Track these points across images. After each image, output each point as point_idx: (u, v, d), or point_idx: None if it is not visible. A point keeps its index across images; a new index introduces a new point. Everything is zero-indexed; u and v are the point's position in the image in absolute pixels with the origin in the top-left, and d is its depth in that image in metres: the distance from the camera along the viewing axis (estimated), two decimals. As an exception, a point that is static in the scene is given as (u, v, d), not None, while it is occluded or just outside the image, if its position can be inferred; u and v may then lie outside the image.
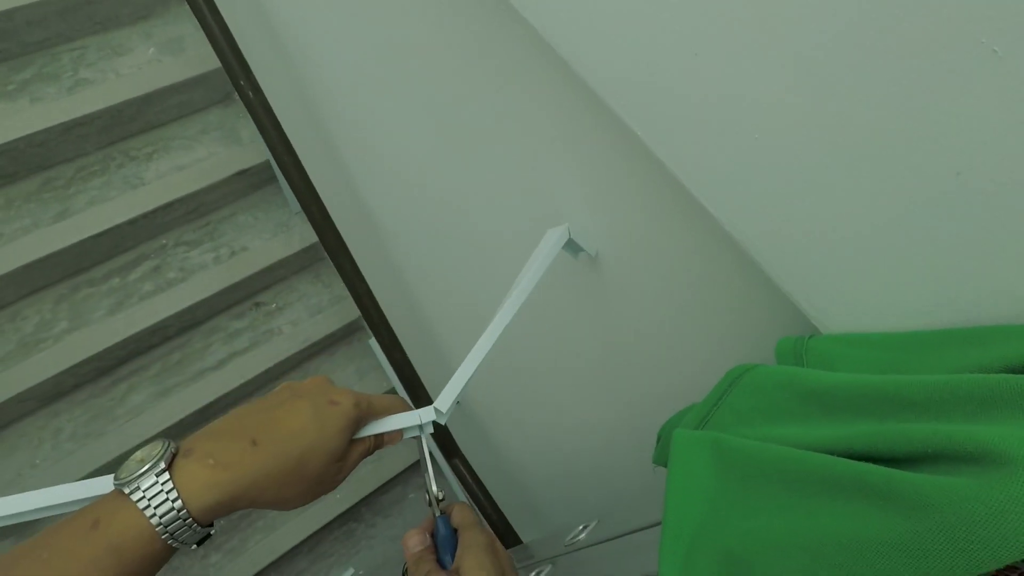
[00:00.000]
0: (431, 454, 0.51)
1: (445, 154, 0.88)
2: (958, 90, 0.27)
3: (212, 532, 0.37)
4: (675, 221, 0.53)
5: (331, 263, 1.57)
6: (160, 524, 0.33)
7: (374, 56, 0.94)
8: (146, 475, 0.34)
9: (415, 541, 0.47)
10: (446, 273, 1.19)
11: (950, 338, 0.31)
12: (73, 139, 1.62)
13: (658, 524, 0.77)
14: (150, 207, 1.65)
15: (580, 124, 0.57)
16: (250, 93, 1.32)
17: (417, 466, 2.03)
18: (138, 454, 0.35)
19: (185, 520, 0.34)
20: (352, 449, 0.45)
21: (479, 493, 1.43)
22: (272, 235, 1.88)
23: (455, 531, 0.47)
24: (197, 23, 1.36)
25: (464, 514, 0.48)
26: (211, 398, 1.72)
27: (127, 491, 0.33)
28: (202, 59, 1.68)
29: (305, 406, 0.41)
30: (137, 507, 0.33)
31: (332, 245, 1.44)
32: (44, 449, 1.61)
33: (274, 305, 1.94)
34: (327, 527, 1.91)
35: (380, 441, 0.48)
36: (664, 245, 0.57)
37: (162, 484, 0.33)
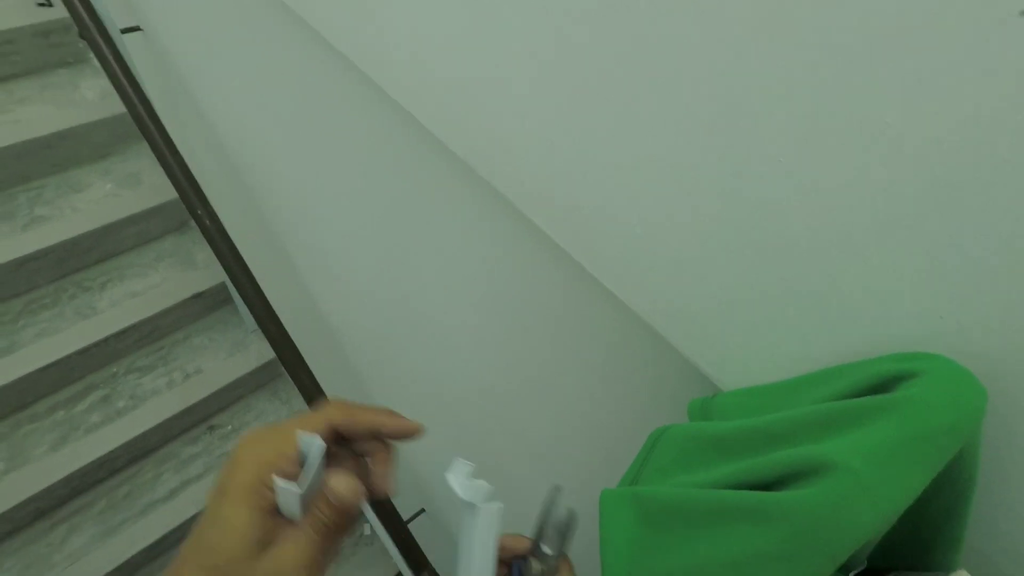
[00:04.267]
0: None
1: (392, 260, 0.95)
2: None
3: None
4: (589, 306, 0.60)
5: (289, 378, 1.57)
6: None
7: (325, 174, 1.03)
8: None
9: None
10: (407, 370, 1.22)
11: (810, 379, 0.37)
12: (25, 273, 1.63)
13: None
14: (102, 335, 1.64)
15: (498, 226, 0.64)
16: (207, 220, 1.39)
17: None
18: None
19: None
20: (281, 534, 0.30)
21: (450, 607, 1.36)
22: (228, 355, 1.88)
23: None
24: (155, 158, 1.45)
25: None
26: (161, 532, 1.62)
27: None
28: (158, 190, 1.76)
29: (215, 509, 0.30)
30: None
31: (290, 360, 1.46)
32: (-31, 609, 1.47)
33: (230, 427, 1.89)
34: None
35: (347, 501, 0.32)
36: (584, 330, 0.63)
37: None
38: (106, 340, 1.65)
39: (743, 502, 0.30)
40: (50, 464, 1.55)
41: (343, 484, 0.31)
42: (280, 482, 0.30)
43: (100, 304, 1.73)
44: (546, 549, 0.37)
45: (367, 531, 2.03)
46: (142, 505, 1.68)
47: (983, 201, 0.27)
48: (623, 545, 0.37)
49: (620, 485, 0.47)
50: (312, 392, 1.46)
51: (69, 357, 1.60)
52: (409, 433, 0.36)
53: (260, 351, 1.87)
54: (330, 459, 0.33)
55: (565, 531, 0.37)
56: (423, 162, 0.72)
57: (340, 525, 0.32)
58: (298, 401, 1.88)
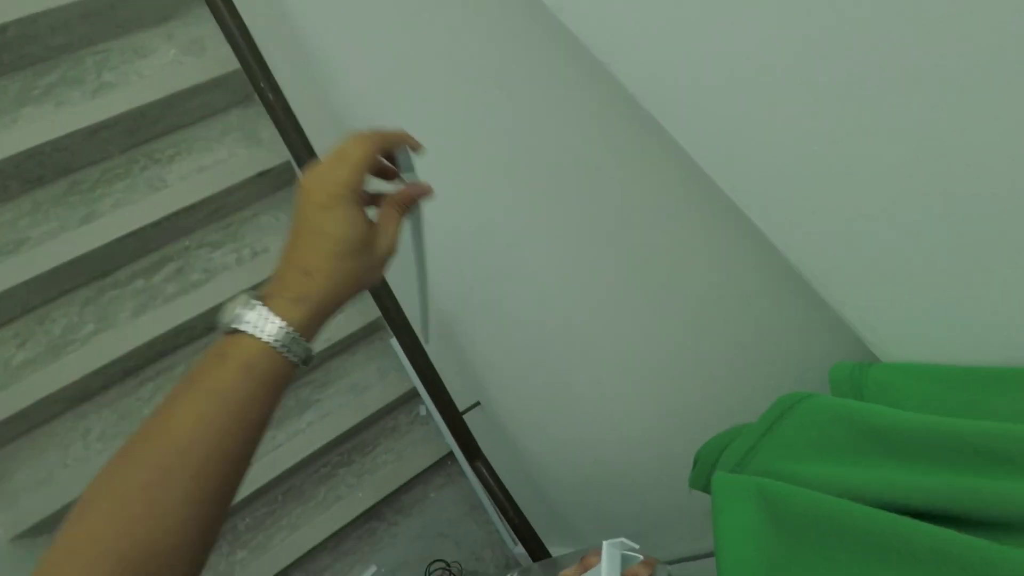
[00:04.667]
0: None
1: (457, 135, 0.86)
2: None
3: (313, 351, 0.42)
4: (730, 244, 0.51)
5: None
6: (275, 340, 0.39)
7: (392, 58, 0.92)
8: (246, 313, 0.39)
9: None
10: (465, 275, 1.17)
11: (1012, 375, 0.28)
12: (98, 142, 1.64)
13: (705, 556, 0.74)
14: (173, 209, 1.66)
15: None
16: (270, 95, 1.31)
17: (439, 465, 2.03)
18: (229, 306, 0.40)
19: (290, 333, 0.40)
20: (380, 216, 0.46)
21: (502, 497, 1.41)
22: (293, 235, 1.88)
23: None
24: (216, 25, 1.35)
25: None
26: (235, 398, 1.73)
27: (238, 326, 0.39)
28: (222, 60, 1.68)
29: (313, 213, 0.42)
30: (251, 335, 0.39)
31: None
32: (75, 449, 1.64)
33: (296, 305, 1.94)
34: (350, 525, 1.92)
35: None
36: (716, 261, 0.54)
37: (263, 314, 0.39)
38: (177, 214, 1.67)
39: (949, 547, 0.23)
40: (133, 329, 1.64)
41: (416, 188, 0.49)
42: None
43: (169, 177, 1.74)
44: None
45: (423, 412, 2.12)
46: (218, 372, 1.79)
47: None
48: (748, 550, 0.31)
49: (729, 454, 0.41)
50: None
51: (144, 229, 1.63)
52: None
53: (324, 234, 1.86)
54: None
55: None
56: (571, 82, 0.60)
57: (407, 207, 0.48)
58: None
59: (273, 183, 1.84)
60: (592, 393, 0.91)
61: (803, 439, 0.35)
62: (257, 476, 1.78)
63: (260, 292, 0.42)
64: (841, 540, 0.27)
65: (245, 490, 1.77)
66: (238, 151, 1.80)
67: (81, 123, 1.55)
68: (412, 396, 2.04)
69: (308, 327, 0.41)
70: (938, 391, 0.31)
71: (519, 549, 1.68)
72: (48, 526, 1.54)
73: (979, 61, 0.27)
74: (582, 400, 0.96)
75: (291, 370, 0.41)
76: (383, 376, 2.01)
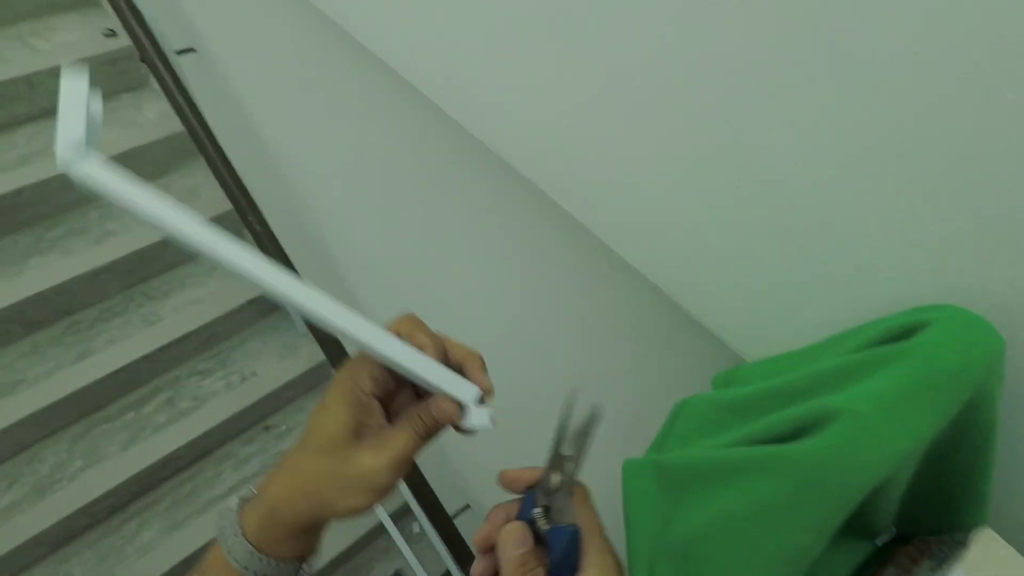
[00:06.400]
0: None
1: (434, 266, 0.98)
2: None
3: (303, 569, 0.36)
4: (618, 291, 0.61)
5: (337, 378, 1.63)
6: (233, 559, 0.34)
7: (368, 183, 1.07)
8: (221, 517, 0.35)
9: (515, 539, 0.32)
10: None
11: (829, 342, 0.37)
12: (98, 284, 1.76)
13: None
14: (165, 341, 1.75)
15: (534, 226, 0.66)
16: (257, 226, 1.46)
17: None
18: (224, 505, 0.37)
19: (248, 549, 0.34)
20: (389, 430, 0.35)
21: None
22: (281, 358, 1.96)
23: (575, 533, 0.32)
24: (211, 172, 1.54)
25: (588, 512, 0.34)
26: (222, 527, 1.70)
27: (217, 534, 0.35)
28: (216, 203, 1.86)
29: (320, 403, 0.35)
30: (222, 545, 0.34)
31: (339, 362, 1.51)
32: (53, 597, 1.58)
33: (284, 427, 1.97)
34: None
35: (427, 417, 0.35)
36: (614, 313, 0.64)
37: (230, 520, 0.35)
38: (169, 345, 1.75)
39: (752, 456, 0.30)
40: (122, 462, 1.66)
41: (447, 404, 0.35)
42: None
43: (163, 311, 1.84)
44: (566, 452, 0.34)
45: (416, 529, 2.07)
46: (204, 501, 1.77)
47: (992, 152, 0.27)
48: (645, 510, 0.38)
49: (646, 456, 0.48)
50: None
51: (137, 362, 1.71)
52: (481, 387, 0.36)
53: (311, 353, 1.94)
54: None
55: (588, 429, 0.34)
56: (464, 167, 0.74)
57: (434, 433, 0.36)
58: (347, 402, 1.94)
59: (260, 309, 1.95)
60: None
61: (691, 429, 0.43)
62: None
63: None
64: (702, 477, 0.34)
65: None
66: (227, 282, 1.93)
67: (83, 268, 1.69)
68: (405, 512, 2.01)
69: (265, 537, 0.34)
70: (778, 368, 0.40)
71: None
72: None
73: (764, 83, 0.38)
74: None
75: None
76: (373, 493, 1.99)
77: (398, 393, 0.38)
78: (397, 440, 0.34)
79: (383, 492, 0.34)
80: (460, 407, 0.35)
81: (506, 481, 0.36)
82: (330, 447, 0.34)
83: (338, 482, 0.33)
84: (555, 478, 0.34)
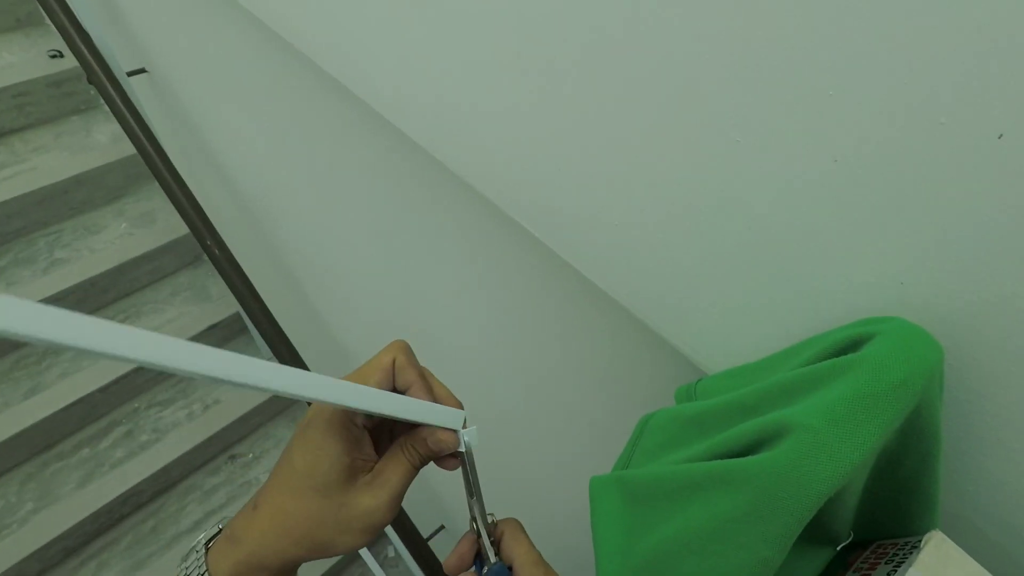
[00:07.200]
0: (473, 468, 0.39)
1: (396, 282, 0.97)
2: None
3: None
4: (584, 310, 0.61)
5: (306, 405, 1.60)
6: None
7: (330, 202, 1.06)
8: (189, 555, 0.34)
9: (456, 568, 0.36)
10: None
11: (784, 354, 0.38)
12: (47, 316, 1.69)
13: None
14: (123, 372, 1.68)
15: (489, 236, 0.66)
16: (216, 251, 1.43)
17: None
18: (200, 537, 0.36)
19: None
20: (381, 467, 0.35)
21: None
22: (245, 383, 1.91)
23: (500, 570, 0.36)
24: (166, 196, 1.50)
25: (522, 548, 0.37)
26: (186, 563, 1.64)
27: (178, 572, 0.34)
28: (172, 228, 1.81)
29: (295, 434, 0.34)
30: None
31: (303, 383, 1.48)
32: (3, 648, 1.49)
33: (251, 455, 1.92)
34: None
35: (422, 447, 0.35)
36: (579, 332, 0.64)
37: (196, 561, 0.33)
38: (126, 376, 1.69)
39: (711, 470, 0.31)
40: (77, 501, 1.59)
41: (446, 435, 0.36)
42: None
43: (119, 341, 1.78)
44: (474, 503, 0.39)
45: (391, 553, 2.03)
46: (168, 538, 1.71)
47: (932, 168, 0.28)
48: (612, 526, 0.38)
49: (612, 472, 0.48)
50: (327, 415, 1.47)
51: (92, 395, 1.64)
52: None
53: (276, 378, 1.90)
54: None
55: (468, 466, 0.39)
56: (425, 185, 0.74)
57: (426, 462, 0.37)
58: (316, 426, 1.90)
59: (223, 334, 1.90)
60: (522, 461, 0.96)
61: (655, 443, 0.43)
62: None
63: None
64: (666, 492, 0.34)
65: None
66: (188, 309, 1.87)
67: (31, 299, 1.61)
68: (379, 535, 1.97)
69: None
70: (737, 381, 0.41)
71: None
72: None
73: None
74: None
75: None
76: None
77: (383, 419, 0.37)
78: (394, 475, 0.34)
79: (381, 528, 0.34)
80: (455, 434, 0.36)
81: (452, 571, 0.38)
82: (324, 489, 0.32)
83: (336, 525, 0.32)
84: (483, 533, 0.38)
